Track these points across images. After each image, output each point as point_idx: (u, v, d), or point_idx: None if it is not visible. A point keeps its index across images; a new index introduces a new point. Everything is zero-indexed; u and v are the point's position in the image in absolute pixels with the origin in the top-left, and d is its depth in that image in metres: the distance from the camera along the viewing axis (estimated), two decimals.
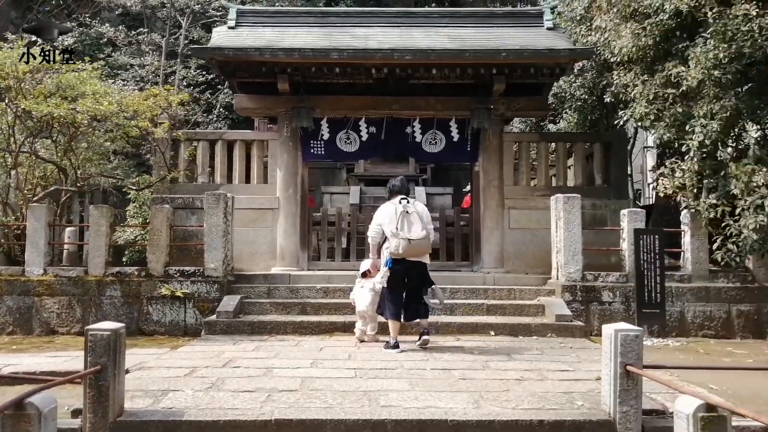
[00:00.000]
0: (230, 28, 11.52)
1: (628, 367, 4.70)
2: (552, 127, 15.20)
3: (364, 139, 11.50)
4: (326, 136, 11.41)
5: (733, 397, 5.65)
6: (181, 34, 16.91)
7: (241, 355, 7.03)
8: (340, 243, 11.89)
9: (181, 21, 16.98)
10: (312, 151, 11.47)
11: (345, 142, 11.50)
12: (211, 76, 16.60)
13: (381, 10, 13.87)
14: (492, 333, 8.43)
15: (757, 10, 7.94)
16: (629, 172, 13.40)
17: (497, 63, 10.44)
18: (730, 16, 8.08)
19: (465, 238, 11.76)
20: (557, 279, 9.50)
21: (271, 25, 11.65)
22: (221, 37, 11.19)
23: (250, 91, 11.52)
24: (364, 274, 7.99)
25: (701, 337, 9.01)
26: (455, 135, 11.42)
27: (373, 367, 6.38)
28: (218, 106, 16.81)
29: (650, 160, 16.81)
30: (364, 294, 7.84)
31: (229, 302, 9.04)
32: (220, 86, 17.04)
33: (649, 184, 16.80)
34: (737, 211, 8.26)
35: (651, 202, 14.92)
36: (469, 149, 11.45)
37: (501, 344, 7.79)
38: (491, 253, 11.07)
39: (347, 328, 8.37)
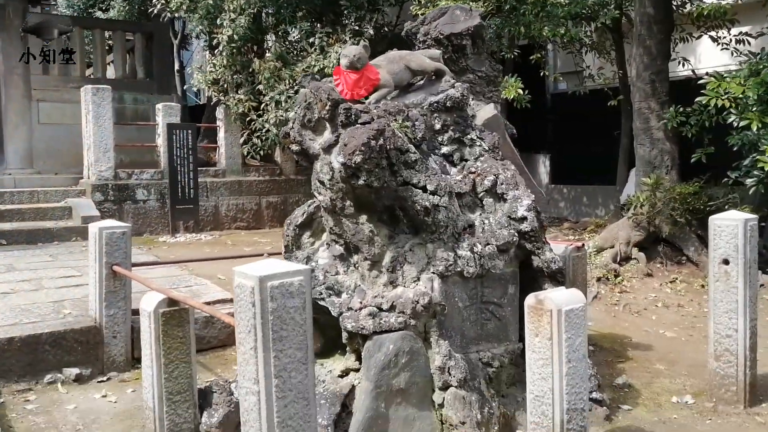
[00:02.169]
0: None
1: (115, 268, 4.41)
2: (101, 15, 13.84)
3: None
4: None
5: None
6: None
7: None
8: None
9: None
10: None
11: None
12: None
13: None
14: (4, 242, 7.41)
15: None
16: (179, 66, 13.03)
17: None
18: None
19: None
20: (88, 178, 8.77)
21: None
22: None
23: None
24: None
25: (234, 230, 9.34)
26: None
27: None
28: None
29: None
30: None
31: None
32: None
33: None
34: (262, 106, 8.54)
35: None
36: None
37: (9, 254, 6.86)
38: (17, 152, 9.70)
39: None
